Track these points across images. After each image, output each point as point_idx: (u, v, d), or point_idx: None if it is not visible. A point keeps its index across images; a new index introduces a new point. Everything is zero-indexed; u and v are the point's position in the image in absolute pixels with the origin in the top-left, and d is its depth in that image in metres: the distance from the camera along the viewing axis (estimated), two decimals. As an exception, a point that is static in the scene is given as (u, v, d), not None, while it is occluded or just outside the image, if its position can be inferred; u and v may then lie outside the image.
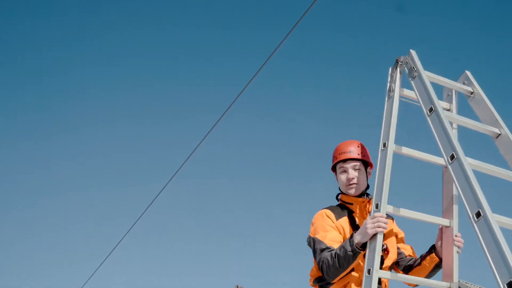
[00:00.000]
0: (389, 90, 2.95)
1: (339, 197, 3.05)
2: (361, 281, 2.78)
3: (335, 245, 2.75)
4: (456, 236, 2.74)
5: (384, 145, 2.78)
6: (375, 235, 2.54)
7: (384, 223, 2.53)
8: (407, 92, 2.98)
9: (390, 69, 3.01)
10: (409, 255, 3.02)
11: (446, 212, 2.83)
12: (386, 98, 2.94)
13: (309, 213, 3.05)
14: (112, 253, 10.27)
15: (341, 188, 3.03)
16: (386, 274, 2.60)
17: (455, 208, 2.80)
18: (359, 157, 2.97)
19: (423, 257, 2.88)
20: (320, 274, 2.80)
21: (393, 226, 3.02)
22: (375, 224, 2.53)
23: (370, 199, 2.98)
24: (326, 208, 2.96)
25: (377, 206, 2.63)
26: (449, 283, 2.66)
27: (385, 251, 2.82)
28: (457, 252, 2.72)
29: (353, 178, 2.94)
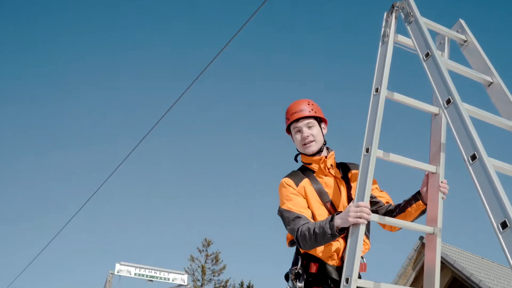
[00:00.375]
0: (383, 36, 2.90)
1: (299, 157, 3.04)
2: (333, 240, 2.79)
3: (303, 211, 2.77)
4: (442, 182, 2.78)
5: (377, 90, 2.75)
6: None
7: (367, 213, 2.48)
8: (400, 38, 2.94)
9: (385, 14, 2.95)
10: (387, 202, 3.05)
11: (433, 160, 2.86)
12: (380, 44, 2.90)
13: (284, 171, 3.05)
14: (88, 203, 10.19)
15: (298, 149, 3.02)
16: (374, 217, 2.62)
17: (442, 155, 2.83)
18: (311, 114, 2.95)
19: (407, 204, 2.91)
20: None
21: None
22: (358, 214, 2.47)
23: (327, 155, 2.97)
24: (286, 176, 2.96)
25: (367, 151, 2.63)
26: (433, 227, 2.72)
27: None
28: (442, 198, 2.77)
29: (308, 136, 2.92)
